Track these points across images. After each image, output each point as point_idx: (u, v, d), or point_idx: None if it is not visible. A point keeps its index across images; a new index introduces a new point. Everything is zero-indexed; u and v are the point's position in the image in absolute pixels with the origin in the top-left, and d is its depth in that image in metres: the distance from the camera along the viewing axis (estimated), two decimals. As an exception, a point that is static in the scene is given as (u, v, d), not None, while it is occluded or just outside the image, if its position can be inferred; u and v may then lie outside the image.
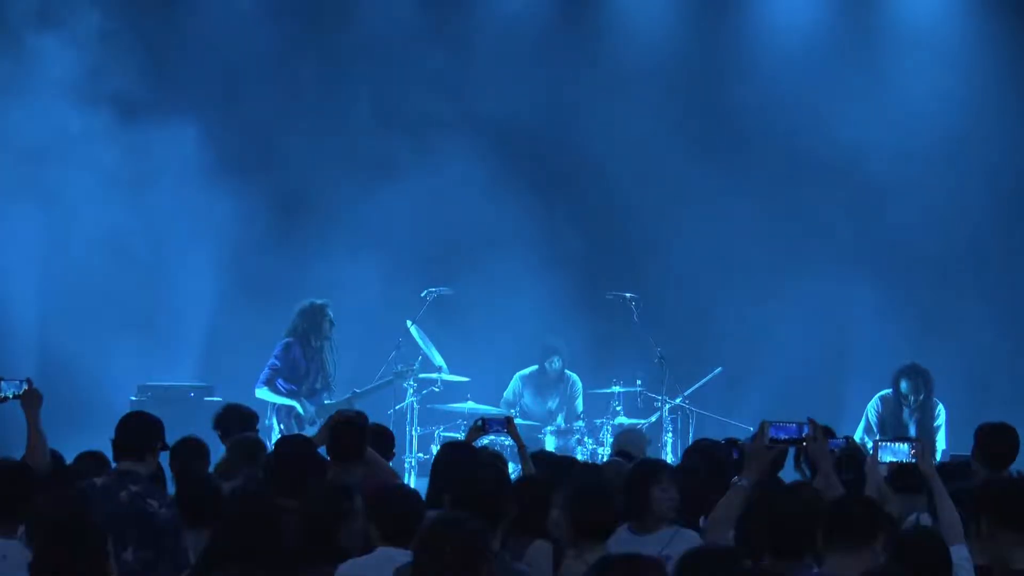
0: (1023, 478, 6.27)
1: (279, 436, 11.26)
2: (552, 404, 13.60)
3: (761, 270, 14.46)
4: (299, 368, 12.30)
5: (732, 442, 8.57)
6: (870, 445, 10.10)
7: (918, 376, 12.21)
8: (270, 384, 12.23)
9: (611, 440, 12.49)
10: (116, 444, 7.47)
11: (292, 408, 12.16)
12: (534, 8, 14.94)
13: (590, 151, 14.72)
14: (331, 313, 12.48)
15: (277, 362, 12.26)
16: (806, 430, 6.67)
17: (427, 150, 14.38)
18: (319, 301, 12.49)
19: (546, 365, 13.57)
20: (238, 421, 9.01)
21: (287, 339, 12.37)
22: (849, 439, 7.76)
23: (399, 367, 12.68)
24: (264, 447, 8.40)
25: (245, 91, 14.49)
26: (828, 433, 8.17)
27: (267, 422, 12.02)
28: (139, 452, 7.40)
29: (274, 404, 12.23)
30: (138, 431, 7.50)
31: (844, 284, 14.49)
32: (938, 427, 12.29)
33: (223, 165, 14.15)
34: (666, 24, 14.90)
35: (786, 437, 6.69)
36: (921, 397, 12.20)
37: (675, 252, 14.30)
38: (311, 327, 12.39)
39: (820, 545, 5.81)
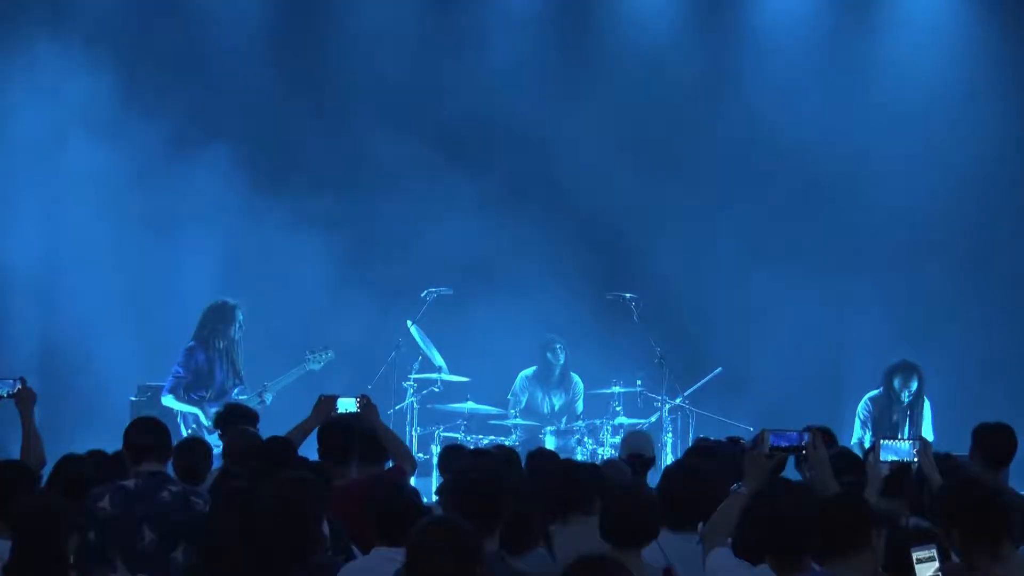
0: (987, 489, 6.21)
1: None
2: (557, 402, 13.57)
3: (761, 270, 14.42)
4: (202, 373, 12.21)
5: (735, 440, 8.53)
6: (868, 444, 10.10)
7: (910, 372, 12.23)
8: (175, 392, 12.17)
9: (611, 440, 12.48)
10: (135, 446, 7.38)
11: (197, 415, 12.10)
12: (531, 16, 14.90)
13: (590, 152, 14.70)
14: (237, 310, 12.35)
15: (180, 370, 12.20)
16: (806, 438, 6.66)
17: (428, 154, 14.37)
18: (222, 300, 12.40)
19: (549, 356, 13.54)
20: (239, 420, 8.96)
21: (190, 343, 12.30)
22: (843, 449, 7.72)
23: (310, 352, 12.52)
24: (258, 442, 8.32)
25: (245, 93, 14.47)
26: (827, 436, 8.18)
27: (181, 429, 11.99)
28: (160, 453, 7.37)
29: (180, 411, 12.17)
30: (157, 433, 7.45)
31: (843, 284, 14.50)
32: (924, 420, 12.30)
33: (223, 169, 14.14)
34: (660, 31, 14.86)
35: (787, 445, 6.70)
36: (914, 393, 12.20)
37: (675, 252, 14.28)
38: (214, 328, 12.31)
39: (819, 549, 5.78)
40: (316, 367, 12.52)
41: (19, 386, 7.95)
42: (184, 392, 12.14)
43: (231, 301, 12.39)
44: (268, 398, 12.16)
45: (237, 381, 12.29)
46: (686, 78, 14.74)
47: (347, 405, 8.43)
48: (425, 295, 13.17)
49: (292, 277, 13.95)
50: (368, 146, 14.50)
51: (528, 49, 14.76)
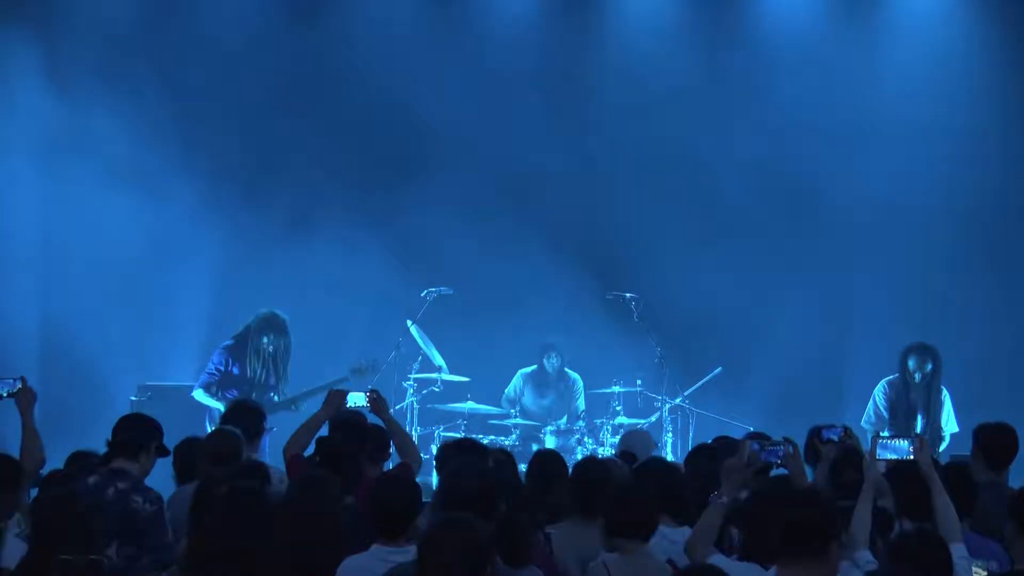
0: None
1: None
2: (549, 402, 13.58)
3: (761, 269, 14.44)
4: (237, 372, 12.20)
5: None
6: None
7: (925, 353, 12.15)
8: (207, 388, 12.19)
9: (611, 440, 12.49)
10: (111, 443, 7.55)
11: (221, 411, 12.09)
12: (528, 21, 14.90)
13: (589, 152, 14.71)
14: (286, 324, 12.34)
15: (214, 367, 12.22)
16: (790, 449, 6.81)
17: (428, 154, 14.39)
18: (275, 312, 12.38)
19: (544, 362, 13.58)
20: (246, 417, 8.96)
21: (228, 342, 12.30)
22: (847, 429, 7.73)
23: (357, 363, 12.46)
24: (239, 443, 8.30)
25: (246, 98, 14.48)
26: (847, 433, 8.17)
27: (207, 424, 11.97)
28: (133, 452, 7.44)
29: (209, 407, 12.18)
30: (134, 431, 7.56)
31: (843, 282, 14.50)
32: (944, 408, 12.22)
33: (223, 170, 14.15)
34: (658, 33, 14.86)
35: (777, 460, 6.85)
36: (928, 374, 12.13)
37: (675, 252, 14.27)
38: (260, 334, 12.29)
39: (774, 549, 5.74)
40: (360, 378, 12.48)
41: (19, 385, 7.96)
42: (218, 390, 12.14)
43: (283, 316, 12.36)
44: (302, 406, 12.16)
45: (275, 384, 12.28)
46: (685, 79, 14.72)
47: (357, 399, 8.49)
48: (425, 295, 13.16)
49: (292, 276, 13.95)
50: (367, 147, 14.53)
51: (525, 52, 14.76)
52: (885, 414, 12.17)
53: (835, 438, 7.48)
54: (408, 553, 6.07)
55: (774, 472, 7.35)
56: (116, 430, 7.58)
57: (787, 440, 7.00)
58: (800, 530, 5.60)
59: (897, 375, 12.27)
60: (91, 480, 7.37)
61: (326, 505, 6.44)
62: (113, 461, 7.47)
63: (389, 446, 8.48)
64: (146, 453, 7.51)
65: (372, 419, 8.63)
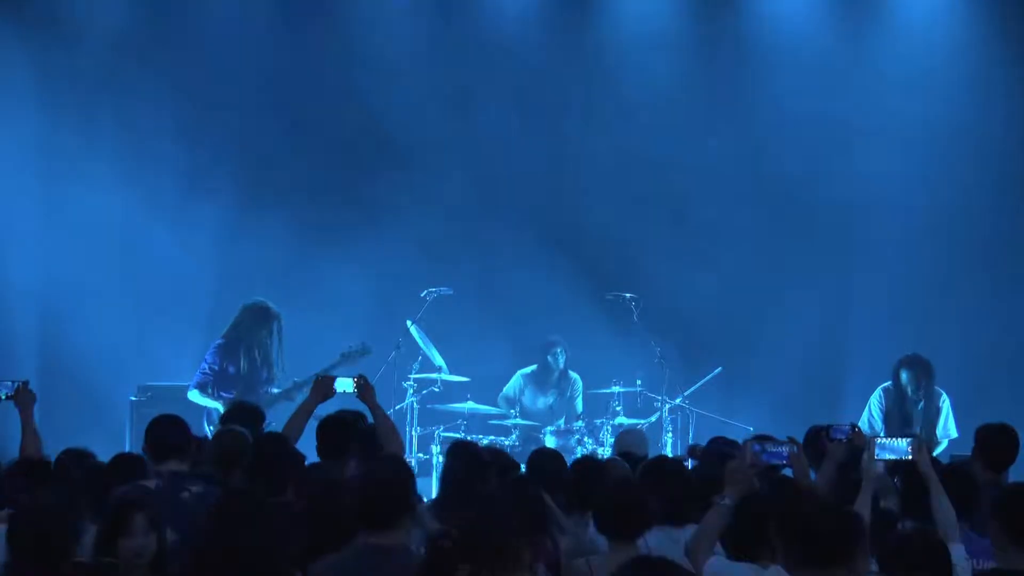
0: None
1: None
2: (549, 402, 13.57)
3: (761, 269, 14.44)
4: (230, 371, 12.18)
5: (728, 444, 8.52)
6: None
7: (918, 366, 12.12)
8: (202, 388, 12.14)
9: (611, 440, 12.49)
10: (155, 445, 7.43)
11: (219, 411, 12.05)
12: (528, 24, 14.92)
13: (590, 152, 14.72)
14: (275, 311, 12.32)
15: (207, 366, 12.18)
16: (795, 450, 6.81)
17: (428, 156, 14.40)
18: (263, 304, 12.35)
19: (549, 359, 13.56)
20: (245, 418, 8.95)
21: (220, 341, 12.26)
22: (855, 427, 7.72)
23: (347, 347, 12.32)
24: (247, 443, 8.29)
25: (244, 102, 14.49)
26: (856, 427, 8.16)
27: (204, 425, 11.93)
28: (180, 452, 7.36)
29: (207, 407, 12.15)
30: (180, 431, 7.48)
31: (843, 282, 14.50)
32: (941, 414, 12.20)
33: (225, 171, 14.16)
34: (659, 33, 14.87)
35: (779, 462, 6.86)
36: (921, 388, 12.12)
37: (675, 252, 14.28)
38: (249, 328, 12.26)
39: (789, 558, 5.71)
40: (351, 364, 12.38)
41: (18, 386, 7.99)
42: (213, 389, 12.12)
43: (273, 308, 12.34)
44: (298, 396, 12.14)
45: (269, 377, 12.26)
46: (684, 80, 14.75)
47: (344, 385, 8.54)
48: (425, 295, 13.16)
49: (292, 276, 13.96)
50: (369, 149, 14.54)
51: (523, 53, 14.76)
52: (880, 424, 12.16)
53: (843, 437, 7.41)
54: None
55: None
56: (155, 431, 7.48)
57: (791, 440, 6.97)
58: (830, 540, 5.58)
59: (892, 383, 12.28)
60: (151, 484, 7.19)
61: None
62: (164, 463, 7.36)
63: (379, 445, 8.46)
64: (188, 452, 7.47)
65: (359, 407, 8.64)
